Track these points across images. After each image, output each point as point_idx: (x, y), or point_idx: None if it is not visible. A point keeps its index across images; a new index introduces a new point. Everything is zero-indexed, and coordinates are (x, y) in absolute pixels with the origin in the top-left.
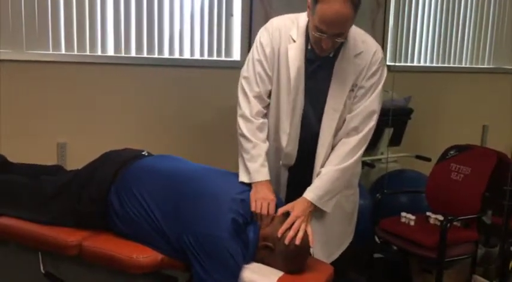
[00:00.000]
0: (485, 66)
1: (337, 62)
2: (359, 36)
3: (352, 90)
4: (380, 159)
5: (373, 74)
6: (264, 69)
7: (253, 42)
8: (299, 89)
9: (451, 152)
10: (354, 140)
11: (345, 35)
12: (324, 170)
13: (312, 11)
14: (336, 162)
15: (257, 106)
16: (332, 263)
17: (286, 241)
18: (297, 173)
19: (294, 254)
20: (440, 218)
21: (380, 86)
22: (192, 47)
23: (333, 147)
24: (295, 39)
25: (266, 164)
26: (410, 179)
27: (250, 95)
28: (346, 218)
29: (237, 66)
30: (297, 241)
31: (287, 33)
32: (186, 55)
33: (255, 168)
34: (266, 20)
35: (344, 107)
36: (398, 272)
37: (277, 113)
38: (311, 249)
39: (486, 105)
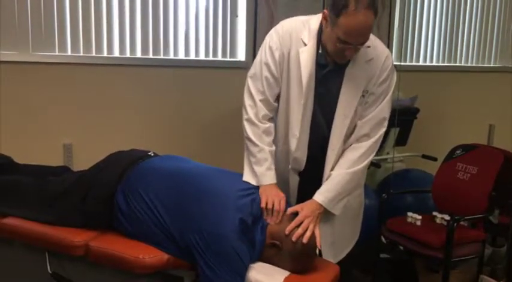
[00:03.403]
0: (491, 65)
1: (348, 68)
2: (369, 42)
3: (362, 96)
4: (386, 159)
5: (384, 80)
6: (272, 73)
7: (258, 42)
8: (309, 93)
9: (458, 152)
10: (365, 145)
11: (367, 41)
12: (334, 173)
13: (332, 24)
14: (347, 165)
15: (263, 110)
16: (338, 263)
17: (294, 238)
18: (306, 178)
19: (300, 252)
20: (447, 217)
21: (390, 92)
22: (197, 47)
23: (342, 152)
24: (306, 42)
25: (273, 167)
26: (417, 178)
27: (256, 98)
28: (353, 218)
29: (242, 66)
30: (304, 240)
31: (298, 36)
32: (192, 56)
33: (262, 171)
34: (271, 21)
35: (355, 112)
36: (405, 272)
37: (286, 117)
38: (319, 250)
39: (492, 105)
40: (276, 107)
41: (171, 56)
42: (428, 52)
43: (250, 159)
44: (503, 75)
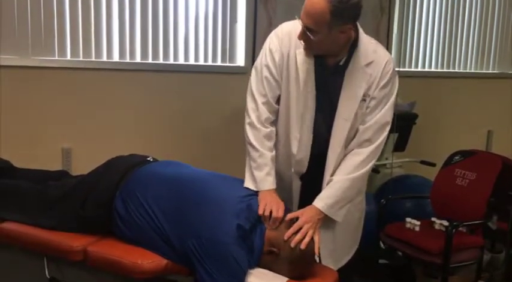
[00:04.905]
0: (489, 72)
1: (348, 71)
2: (370, 46)
3: (363, 100)
4: (385, 165)
5: (385, 85)
6: (272, 75)
7: (257, 48)
8: (309, 94)
9: (456, 158)
10: (366, 150)
11: (316, 34)
12: (335, 179)
13: None
14: (348, 171)
15: (265, 113)
16: (338, 270)
17: (292, 244)
18: (308, 181)
19: (298, 258)
20: (446, 223)
21: (393, 97)
22: (197, 52)
23: (344, 157)
24: None
25: (273, 172)
26: (415, 184)
27: (259, 101)
28: (354, 225)
29: (241, 71)
30: (303, 246)
31: (297, 37)
32: (191, 61)
33: (261, 177)
34: (270, 26)
35: (355, 116)
36: (403, 277)
37: (287, 118)
38: (318, 256)
39: (491, 111)
40: (277, 109)
41: (171, 61)
42: (427, 58)
43: (251, 164)
44: (501, 81)
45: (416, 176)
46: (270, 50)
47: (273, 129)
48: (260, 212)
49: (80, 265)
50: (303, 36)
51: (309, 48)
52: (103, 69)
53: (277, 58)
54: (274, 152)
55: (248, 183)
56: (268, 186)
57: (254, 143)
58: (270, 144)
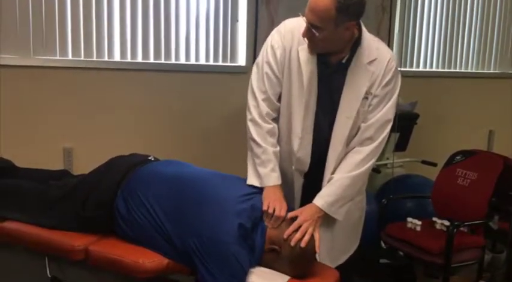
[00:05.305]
0: (490, 72)
1: (350, 69)
2: (373, 43)
3: (366, 98)
4: (386, 164)
5: (388, 82)
6: (273, 71)
7: (258, 47)
8: (312, 92)
9: (457, 157)
10: (368, 148)
11: (321, 31)
12: (335, 177)
13: None
14: (348, 169)
15: (265, 109)
16: (338, 268)
17: (292, 243)
18: (310, 179)
19: (299, 257)
20: (447, 223)
21: (395, 95)
22: (198, 52)
23: (345, 155)
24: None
25: (277, 168)
26: (416, 184)
27: (259, 98)
28: (353, 224)
29: (242, 71)
30: (303, 244)
31: (300, 34)
32: (192, 60)
33: (266, 173)
34: (271, 26)
35: (357, 114)
36: (404, 277)
37: (288, 116)
38: (317, 255)
39: (492, 110)
40: (279, 107)
41: (172, 61)
42: (428, 58)
43: (255, 160)
44: (502, 81)
45: (418, 176)
46: (272, 47)
47: (275, 125)
48: (264, 208)
49: (81, 264)
50: (307, 33)
51: (313, 47)
52: (104, 68)
53: (278, 55)
54: (278, 148)
55: (252, 180)
56: (273, 182)
57: (257, 139)
58: (273, 140)
